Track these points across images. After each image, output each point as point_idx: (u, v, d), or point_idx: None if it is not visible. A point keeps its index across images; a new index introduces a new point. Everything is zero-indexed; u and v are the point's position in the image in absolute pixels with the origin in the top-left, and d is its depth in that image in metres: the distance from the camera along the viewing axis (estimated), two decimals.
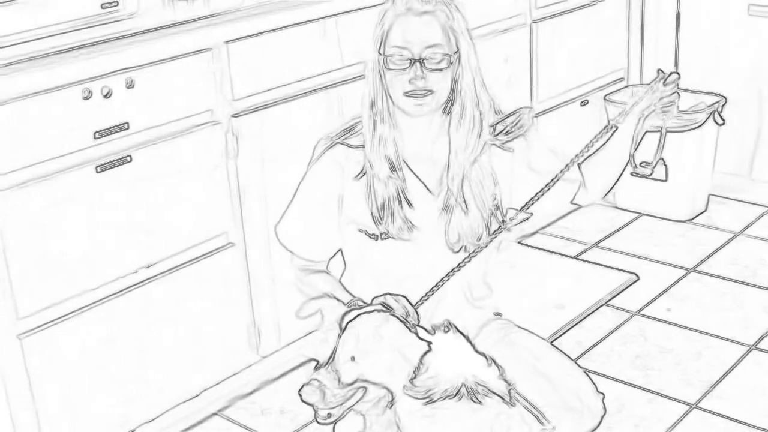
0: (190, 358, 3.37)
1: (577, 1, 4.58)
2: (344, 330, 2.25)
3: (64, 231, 2.97)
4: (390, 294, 2.33)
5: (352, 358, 2.22)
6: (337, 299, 2.45)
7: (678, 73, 2.60)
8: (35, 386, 2.98)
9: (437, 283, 2.48)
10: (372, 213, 2.50)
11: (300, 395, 2.21)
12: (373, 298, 2.33)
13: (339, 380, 2.21)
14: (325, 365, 2.23)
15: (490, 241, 2.54)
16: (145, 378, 3.25)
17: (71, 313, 3.03)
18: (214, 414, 3.55)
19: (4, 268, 2.86)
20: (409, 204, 2.50)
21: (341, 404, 2.21)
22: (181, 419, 3.44)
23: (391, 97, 2.44)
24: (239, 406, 3.59)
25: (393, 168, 2.48)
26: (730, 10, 4.75)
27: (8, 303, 2.89)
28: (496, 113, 2.57)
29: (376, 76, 2.45)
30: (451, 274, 2.50)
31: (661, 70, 2.60)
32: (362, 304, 2.36)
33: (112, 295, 3.13)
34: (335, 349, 2.24)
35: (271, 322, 3.59)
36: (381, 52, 2.42)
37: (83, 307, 3.06)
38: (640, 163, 2.61)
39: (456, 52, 2.41)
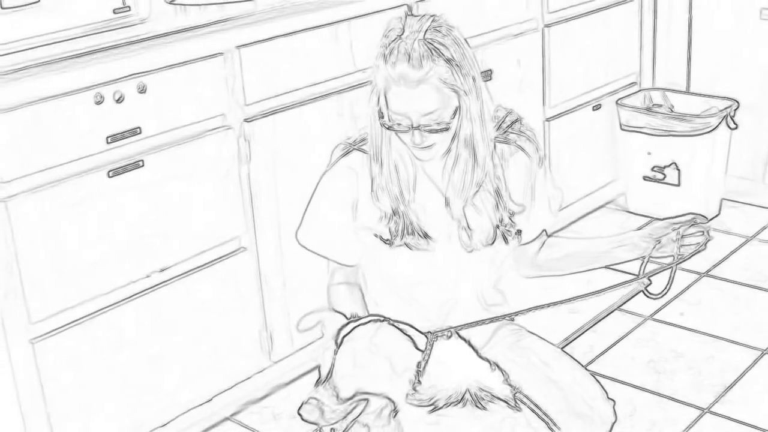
0: (202, 362, 3.37)
1: (589, 5, 4.58)
2: (340, 345, 2.25)
3: (77, 235, 2.98)
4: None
5: (350, 373, 2.22)
6: (340, 313, 2.44)
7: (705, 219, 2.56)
8: (47, 390, 2.99)
9: (466, 324, 2.47)
10: (390, 229, 2.49)
11: (300, 414, 2.21)
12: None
13: (337, 396, 2.21)
14: (323, 382, 2.24)
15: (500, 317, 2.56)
16: (157, 382, 3.26)
17: (83, 317, 3.04)
18: (226, 419, 3.55)
19: (16, 273, 2.87)
20: (423, 237, 2.49)
21: (343, 419, 2.21)
22: (193, 424, 3.44)
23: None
24: (251, 411, 3.60)
25: (396, 209, 2.47)
26: (743, 14, 4.74)
27: (21, 307, 2.90)
28: (506, 124, 2.56)
29: (377, 124, 2.42)
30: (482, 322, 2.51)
31: (696, 215, 2.57)
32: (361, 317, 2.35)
33: (125, 299, 3.14)
34: (332, 365, 2.24)
35: (283, 326, 3.60)
36: (381, 115, 2.39)
37: (95, 312, 3.07)
38: (647, 287, 2.62)
39: (456, 108, 2.37)
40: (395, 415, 2.26)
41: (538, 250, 2.66)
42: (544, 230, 2.66)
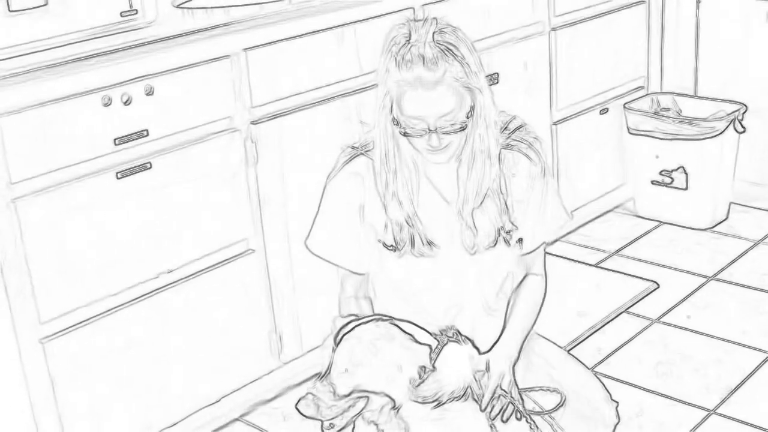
0: (211, 363, 3.39)
1: (596, 9, 4.58)
2: (339, 343, 2.28)
3: (85, 237, 3.00)
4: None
5: (346, 370, 2.24)
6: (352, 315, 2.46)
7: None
8: (58, 391, 3.01)
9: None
10: (394, 237, 2.50)
11: (297, 409, 2.24)
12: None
13: (334, 392, 2.24)
14: (321, 378, 2.26)
15: None
16: (166, 383, 3.28)
17: (93, 317, 3.06)
18: (236, 419, 3.57)
19: (25, 273, 2.89)
20: (427, 243, 2.49)
21: (341, 415, 2.24)
22: (202, 424, 3.45)
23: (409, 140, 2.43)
24: (261, 412, 3.61)
25: (408, 220, 2.47)
26: (750, 17, 4.74)
27: (30, 307, 2.92)
28: (507, 128, 2.57)
29: (387, 132, 2.42)
30: None
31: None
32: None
33: (133, 300, 3.16)
34: (330, 362, 2.27)
35: (292, 328, 3.61)
36: (395, 122, 2.38)
37: (104, 312, 3.09)
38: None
39: (471, 107, 2.37)
40: (397, 412, 2.28)
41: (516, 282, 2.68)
42: (544, 242, 2.66)
